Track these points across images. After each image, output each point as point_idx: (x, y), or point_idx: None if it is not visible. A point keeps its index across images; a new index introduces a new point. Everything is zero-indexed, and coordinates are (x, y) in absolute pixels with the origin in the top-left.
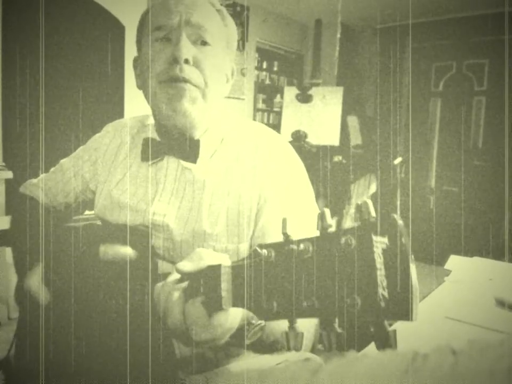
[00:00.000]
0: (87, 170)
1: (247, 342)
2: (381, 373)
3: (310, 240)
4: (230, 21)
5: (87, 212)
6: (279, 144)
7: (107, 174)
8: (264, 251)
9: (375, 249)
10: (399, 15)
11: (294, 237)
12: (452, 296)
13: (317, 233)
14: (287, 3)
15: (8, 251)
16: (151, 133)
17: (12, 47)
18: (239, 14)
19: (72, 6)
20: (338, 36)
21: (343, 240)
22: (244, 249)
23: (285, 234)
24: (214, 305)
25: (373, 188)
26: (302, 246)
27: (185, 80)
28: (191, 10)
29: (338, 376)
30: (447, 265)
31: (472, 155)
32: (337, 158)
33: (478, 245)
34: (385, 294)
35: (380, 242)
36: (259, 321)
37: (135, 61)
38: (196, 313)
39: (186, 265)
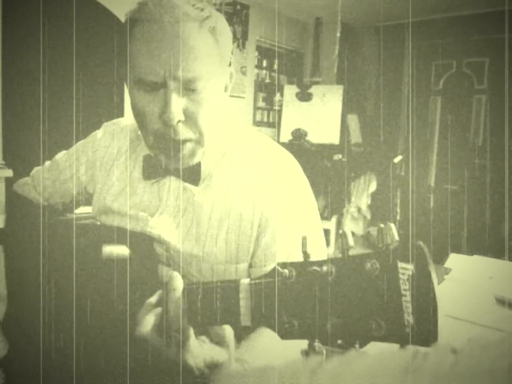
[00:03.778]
0: (84, 173)
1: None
2: (381, 372)
3: (332, 262)
4: (221, 32)
5: (87, 209)
6: (282, 160)
7: (105, 178)
8: (286, 271)
9: (400, 275)
10: (399, 13)
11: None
12: (452, 294)
13: (337, 254)
14: (287, 1)
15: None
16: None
17: (12, 47)
18: (239, 13)
19: (73, 5)
20: (338, 34)
21: (368, 265)
22: (243, 270)
23: (304, 252)
24: (230, 321)
25: (373, 186)
26: (324, 268)
27: (182, 141)
28: (177, 61)
29: (338, 374)
30: (447, 264)
31: (472, 153)
32: (337, 157)
33: (478, 243)
34: (411, 319)
35: (405, 269)
36: None
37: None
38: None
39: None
